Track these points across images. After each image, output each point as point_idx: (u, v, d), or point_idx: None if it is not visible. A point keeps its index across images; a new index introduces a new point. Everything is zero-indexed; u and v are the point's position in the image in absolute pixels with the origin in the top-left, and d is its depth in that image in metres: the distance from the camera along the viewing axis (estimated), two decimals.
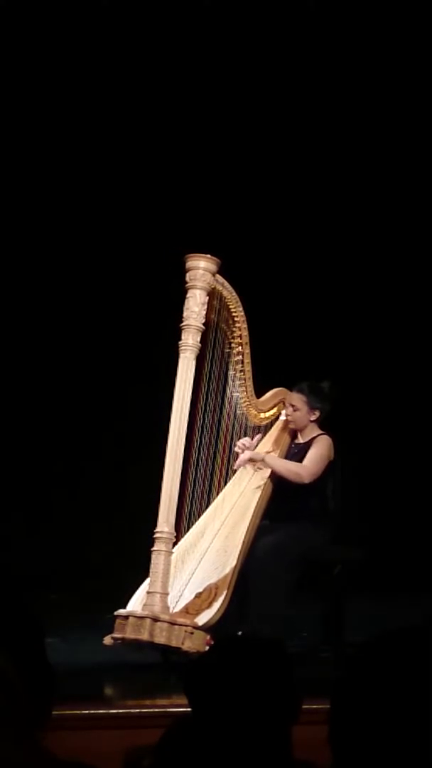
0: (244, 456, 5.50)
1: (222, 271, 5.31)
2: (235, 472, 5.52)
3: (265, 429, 5.68)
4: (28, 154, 7.25)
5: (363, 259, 7.52)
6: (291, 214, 7.44)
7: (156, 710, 4.25)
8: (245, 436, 5.58)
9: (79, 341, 7.33)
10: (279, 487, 5.45)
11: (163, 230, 7.11)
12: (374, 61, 7.26)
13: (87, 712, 4.08)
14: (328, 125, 7.38)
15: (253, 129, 7.34)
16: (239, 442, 5.52)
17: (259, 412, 5.59)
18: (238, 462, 5.50)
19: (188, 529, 5.32)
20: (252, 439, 5.60)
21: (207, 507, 5.39)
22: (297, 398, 5.56)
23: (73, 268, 7.33)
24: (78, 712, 3.99)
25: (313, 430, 5.56)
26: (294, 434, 5.66)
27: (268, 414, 5.65)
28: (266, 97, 7.32)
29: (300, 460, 5.48)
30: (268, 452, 5.56)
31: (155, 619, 4.89)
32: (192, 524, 5.33)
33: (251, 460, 5.49)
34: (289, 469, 5.44)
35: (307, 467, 5.42)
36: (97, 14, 7.01)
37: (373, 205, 7.51)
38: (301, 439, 5.60)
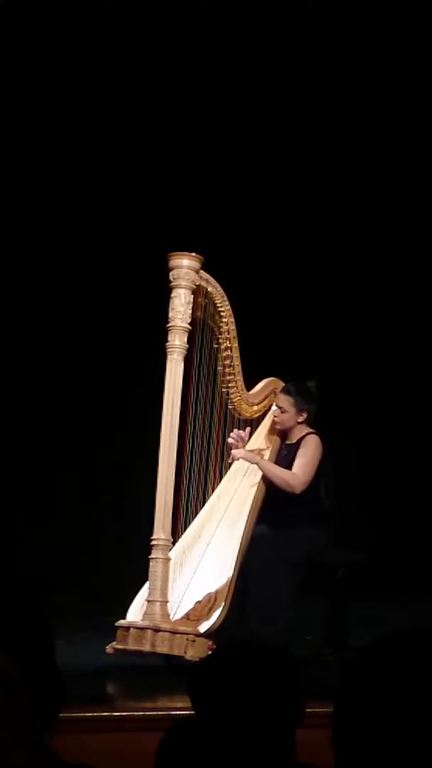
0: (237, 453, 5.46)
1: (209, 266, 5.29)
2: (230, 467, 5.51)
3: (257, 421, 5.66)
4: (21, 153, 7.24)
5: (354, 250, 7.51)
6: (279, 209, 7.44)
7: (158, 713, 4.24)
8: (239, 429, 5.55)
9: (69, 347, 7.30)
10: (273, 488, 5.44)
11: (147, 230, 7.10)
12: (374, 61, 7.25)
13: (89, 714, 4.07)
14: (322, 121, 7.37)
15: (244, 126, 7.34)
16: (233, 434, 5.49)
17: (250, 405, 5.55)
18: (231, 456, 5.47)
19: (185, 530, 5.32)
20: (245, 432, 5.57)
21: (203, 506, 5.38)
22: (284, 400, 5.52)
23: (59, 271, 7.31)
24: (80, 714, 3.98)
25: (302, 430, 5.52)
26: (283, 433, 5.64)
27: (259, 406, 5.62)
28: (262, 96, 7.32)
29: (290, 461, 5.45)
30: (261, 450, 5.53)
31: (156, 629, 4.89)
32: (189, 525, 5.33)
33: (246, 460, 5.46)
34: (280, 477, 5.39)
35: (298, 476, 5.37)
36: (97, 14, 7.01)
37: (364, 198, 7.50)
38: (291, 439, 5.56)
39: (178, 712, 3.88)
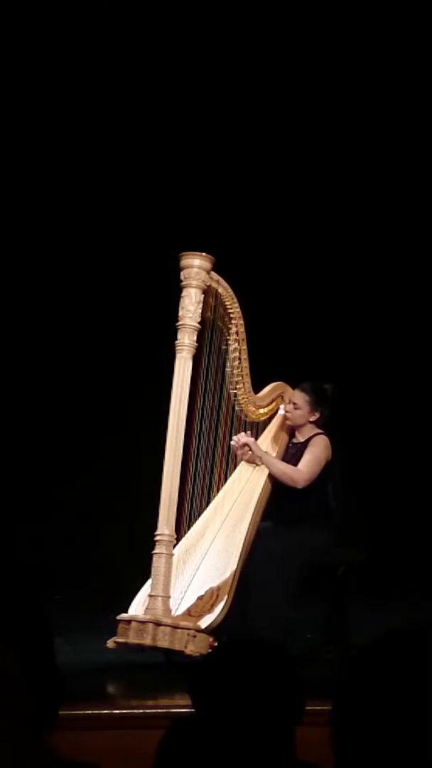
0: (247, 439, 5.44)
1: (220, 267, 5.30)
2: (235, 466, 5.51)
3: (263, 424, 5.66)
4: (24, 153, 7.24)
5: (361, 252, 7.50)
6: (292, 212, 7.43)
7: (158, 710, 4.25)
8: (244, 431, 5.53)
9: (77, 344, 7.31)
10: (279, 486, 5.44)
11: (159, 229, 7.10)
12: (374, 57, 7.24)
13: (89, 712, 4.08)
14: (325, 121, 7.37)
15: (249, 126, 7.33)
16: (235, 437, 5.48)
17: (257, 408, 5.56)
18: (234, 442, 5.45)
19: (189, 528, 5.32)
20: (247, 435, 5.55)
21: (207, 505, 5.39)
22: (300, 396, 5.53)
23: (69, 269, 7.32)
24: (80, 712, 3.99)
25: (312, 430, 5.53)
26: (292, 433, 5.63)
27: (266, 409, 5.62)
28: (263, 96, 7.31)
29: (298, 460, 5.45)
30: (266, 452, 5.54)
31: (158, 624, 4.89)
32: (193, 523, 5.34)
33: (248, 448, 5.44)
34: (284, 471, 5.41)
35: (302, 472, 5.38)
36: (97, 14, 7.00)
37: (373, 200, 7.50)
38: (299, 438, 5.57)
39: (178, 710, 3.89)
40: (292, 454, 5.53)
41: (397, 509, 7.31)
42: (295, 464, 5.44)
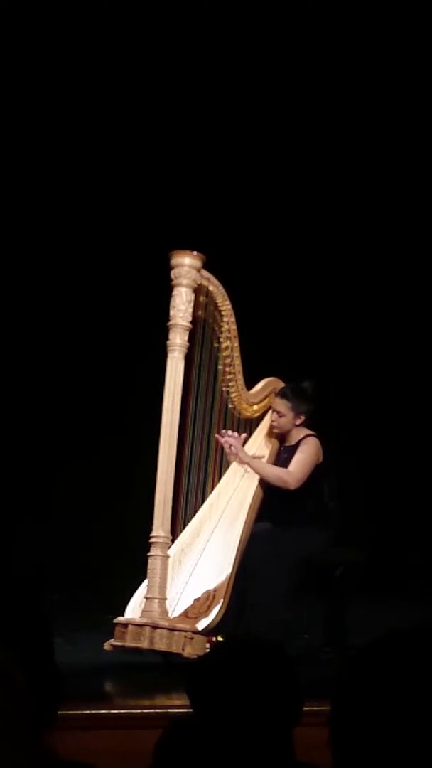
0: (234, 449, 5.44)
1: (210, 264, 5.29)
2: (229, 465, 5.51)
3: (257, 421, 5.65)
4: (19, 151, 7.24)
5: (354, 250, 7.51)
6: (281, 208, 7.44)
7: (156, 710, 4.25)
8: (238, 429, 5.53)
9: (70, 345, 7.30)
10: (275, 488, 5.44)
11: (148, 227, 7.10)
12: (373, 57, 7.24)
13: (87, 711, 4.08)
14: (322, 119, 7.38)
15: (240, 123, 7.34)
16: (225, 435, 5.45)
17: (250, 405, 5.56)
18: (224, 441, 5.44)
19: (185, 527, 5.32)
20: (239, 434, 5.53)
21: (202, 504, 5.38)
22: (281, 404, 5.51)
23: (59, 270, 7.31)
24: (78, 711, 3.99)
25: (300, 432, 5.52)
26: (282, 436, 5.63)
27: (259, 406, 5.62)
28: (263, 94, 7.32)
29: (290, 463, 5.46)
30: (257, 456, 5.52)
31: (155, 626, 4.89)
32: (188, 522, 5.33)
33: (239, 458, 5.45)
34: (274, 474, 5.41)
35: (293, 473, 5.38)
36: (97, 14, 7.01)
37: (364, 197, 7.51)
38: (290, 442, 5.56)
39: (176, 710, 3.89)
40: (285, 458, 5.53)
41: (396, 509, 7.31)
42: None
